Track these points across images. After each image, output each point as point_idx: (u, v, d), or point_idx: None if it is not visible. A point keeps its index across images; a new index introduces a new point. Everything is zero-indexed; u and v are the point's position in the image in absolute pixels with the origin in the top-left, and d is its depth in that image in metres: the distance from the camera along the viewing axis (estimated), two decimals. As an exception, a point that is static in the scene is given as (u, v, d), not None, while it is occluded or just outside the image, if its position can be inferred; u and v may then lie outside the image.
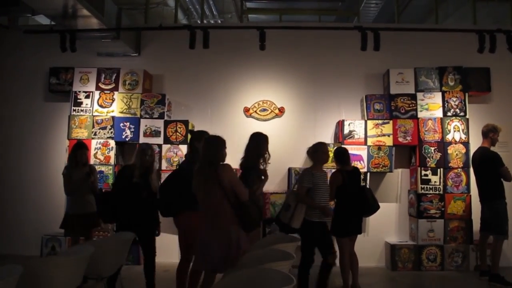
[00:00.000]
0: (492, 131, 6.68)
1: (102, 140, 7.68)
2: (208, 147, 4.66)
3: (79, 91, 7.86)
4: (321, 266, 5.61)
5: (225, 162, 4.63)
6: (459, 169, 7.35)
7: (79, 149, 6.42)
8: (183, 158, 7.49)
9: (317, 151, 5.68)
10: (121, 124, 7.71)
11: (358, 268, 5.98)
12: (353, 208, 5.84)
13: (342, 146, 7.07)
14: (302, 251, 5.54)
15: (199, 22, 10.49)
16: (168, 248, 7.77)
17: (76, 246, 5.61)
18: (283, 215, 5.52)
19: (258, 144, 5.75)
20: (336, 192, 5.87)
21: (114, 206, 5.52)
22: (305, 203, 5.45)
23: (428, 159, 7.39)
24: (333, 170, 6.23)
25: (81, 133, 7.70)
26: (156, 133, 7.66)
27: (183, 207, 5.31)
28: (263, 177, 5.57)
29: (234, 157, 7.86)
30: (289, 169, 7.54)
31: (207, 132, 5.59)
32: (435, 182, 7.36)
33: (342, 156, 6.14)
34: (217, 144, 4.68)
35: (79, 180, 6.27)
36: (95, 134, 7.71)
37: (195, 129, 7.89)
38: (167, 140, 7.63)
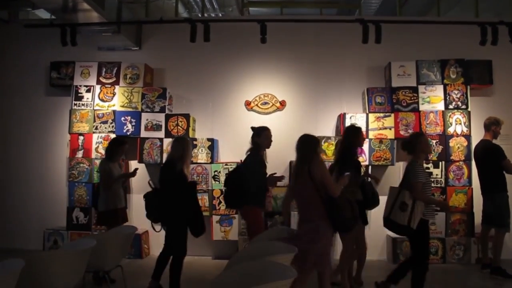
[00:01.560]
0: (494, 124, 6.66)
1: (103, 134, 7.68)
2: (302, 144, 4.68)
3: (80, 85, 7.85)
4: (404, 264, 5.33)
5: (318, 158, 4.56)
6: (460, 162, 7.34)
7: (122, 144, 6.37)
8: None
9: (420, 142, 5.24)
10: (122, 118, 7.71)
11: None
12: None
13: None
14: (419, 254, 5.07)
15: (199, 15, 10.45)
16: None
17: (78, 240, 5.62)
18: (398, 216, 4.97)
19: (350, 136, 5.66)
20: None
21: (163, 204, 5.39)
22: (425, 200, 4.97)
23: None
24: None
25: (82, 127, 7.70)
26: (157, 127, 7.65)
27: (244, 201, 5.36)
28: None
29: (235, 150, 7.93)
30: (291, 163, 7.53)
31: (267, 128, 5.67)
32: (436, 175, 7.35)
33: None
34: (311, 141, 4.68)
35: (117, 175, 6.29)
36: (96, 128, 7.70)
37: (196, 123, 7.92)
38: (168, 134, 7.62)
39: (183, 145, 5.48)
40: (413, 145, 5.22)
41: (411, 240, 5.11)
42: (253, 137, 5.59)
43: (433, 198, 5.12)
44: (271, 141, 5.78)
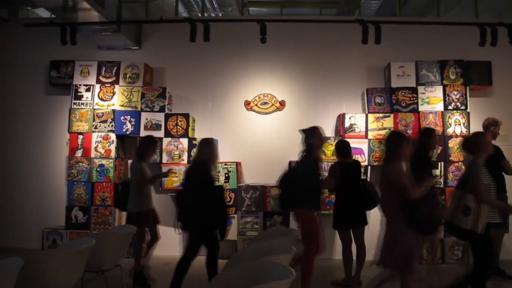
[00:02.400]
0: (493, 125, 6.65)
1: (102, 134, 7.68)
2: (386, 141, 4.60)
3: (80, 84, 7.85)
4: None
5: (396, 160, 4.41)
6: (459, 163, 7.34)
7: (154, 143, 6.25)
8: (183, 152, 7.51)
9: (481, 142, 4.99)
10: (122, 118, 7.71)
11: (364, 261, 5.99)
12: (353, 201, 5.87)
13: (344, 139, 7.05)
14: (482, 260, 4.80)
15: (199, 15, 10.45)
16: (169, 242, 7.80)
17: (77, 239, 5.62)
18: (463, 221, 4.73)
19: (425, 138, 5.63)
20: (337, 185, 5.91)
21: (189, 206, 5.30)
22: (490, 203, 4.74)
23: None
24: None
25: (81, 127, 7.69)
26: (156, 127, 7.66)
27: (297, 203, 5.31)
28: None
29: (234, 150, 7.94)
30: (290, 163, 7.52)
31: (317, 127, 5.57)
32: (435, 175, 7.35)
33: (344, 148, 6.19)
34: (397, 141, 4.51)
35: (149, 175, 6.16)
36: (95, 128, 7.70)
37: (196, 123, 7.92)
38: (167, 134, 7.62)
39: (211, 147, 5.42)
40: (474, 145, 4.99)
41: (475, 245, 4.82)
42: (305, 138, 5.45)
43: (498, 201, 4.95)
44: (324, 139, 5.73)
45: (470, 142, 5.06)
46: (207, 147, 5.38)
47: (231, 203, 7.41)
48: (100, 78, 7.87)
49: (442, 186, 7.32)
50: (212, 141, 5.57)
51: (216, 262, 5.32)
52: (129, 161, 7.85)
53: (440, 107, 7.53)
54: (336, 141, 6.80)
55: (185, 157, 7.56)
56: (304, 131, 5.55)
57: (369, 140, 7.45)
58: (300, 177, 5.31)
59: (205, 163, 5.31)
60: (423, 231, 4.38)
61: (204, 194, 5.19)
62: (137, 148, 6.30)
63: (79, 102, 7.79)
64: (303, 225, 5.32)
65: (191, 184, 5.33)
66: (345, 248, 6.01)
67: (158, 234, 6.30)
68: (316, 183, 5.38)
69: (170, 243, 7.79)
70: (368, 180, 7.16)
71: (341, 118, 7.63)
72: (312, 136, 5.39)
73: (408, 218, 4.24)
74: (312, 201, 5.33)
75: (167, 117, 7.68)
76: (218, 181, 7.22)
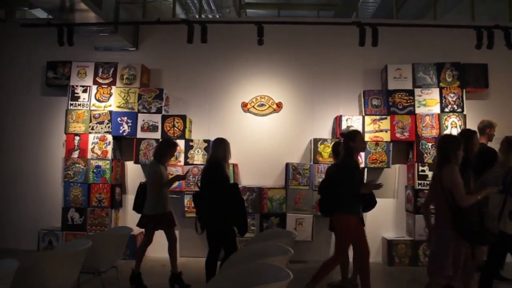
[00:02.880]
0: (488, 127, 6.67)
1: (99, 135, 7.66)
2: (443, 145, 4.44)
3: (77, 85, 7.83)
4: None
5: (450, 164, 4.27)
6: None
7: (173, 146, 6.18)
8: (180, 153, 7.50)
9: None
10: (119, 119, 7.70)
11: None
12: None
13: (341, 141, 7.04)
14: (497, 260, 4.93)
15: (197, 16, 10.46)
16: (164, 243, 7.78)
17: (73, 240, 5.59)
18: (506, 226, 4.73)
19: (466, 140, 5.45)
20: None
21: (207, 205, 5.32)
22: None
23: (425, 155, 7.39)
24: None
25: (78, 128, 7.68)
26: (153, 128, 7.65)
27: (337, 209, 5.26)
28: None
29: (232, 152, 7.86)
30: (287, 164, 7.54)
31: (359, 131, 5.58)
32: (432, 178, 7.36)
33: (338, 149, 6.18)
34: (454, 144, 4.40)
35: (166, 177, 6.12)
36: (92, 129, 7.69)
37: (192, 124, 7.91)
38: (164, 135, 7.61)
39: (225, 146, 5.45)
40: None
41: (500, 248, 4.82)
42: (346, 142, 5.40)
43: None
44: (365, 144, 5.74)
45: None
46: (221, 146, 5.43)
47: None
48: (97, 79, 7.86)
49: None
50: (225, 140, 5.56)
51: (215, 266, 5.42)
52: (127, 162, 7.89)
53: (436, 109, 7.54)
54: (333, 143, 6.80)
55: (181, 158, 7.55)
56: (345, 134, 5.54)
57: (366, 142, 7.46)
58: (341, 182, 5.23)
59: (219, 162, 5.35)
60: (473, 240, 4.23)
61: (221, 193, 5.23)
62: (155, 151, 6.22)
63: (75, 103, 7.78)
64: (342, 231, 5.28)
65: (207, 184, 5.36)
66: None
67: (175, 236, 6.22)
68: (358, 188, 5.27)
69: (167, 245, 7.77)
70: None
71: (338, 120, 7.64)
72: (355, 140, 5.31)
73: (457, 225, 4.14)
74: (353, 206, 5.26)
75: (164, 118, 7.68)
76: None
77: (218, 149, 5.43)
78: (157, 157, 6.05)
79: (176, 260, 6.14)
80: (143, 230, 7.62)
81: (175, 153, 6.33)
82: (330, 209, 5.43)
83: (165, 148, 6.08)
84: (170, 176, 6.49)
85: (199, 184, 5.62)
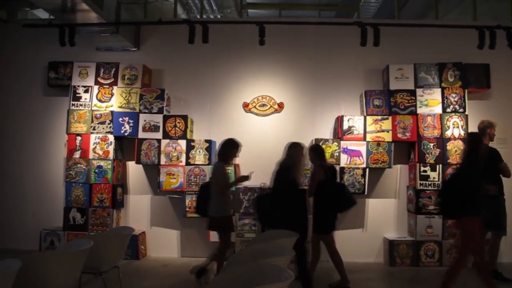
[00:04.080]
0: (488, 127, 6.67)
1: (101, 135, 7.67)
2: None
3: (78, 86, 7.84)
4: None
5: None
6: (458, 165, 7.34)
7: (237, 146, 6.09)
8: (181, 153, 7.51)
9: None
10: (120, 119, 7.70)
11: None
12: (334, 204, 5.98)
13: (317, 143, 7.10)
14: None
15: (198, 17, 10.46)
16: (166, 243, 7.81)
17: (75, 240, 5.59)
18: None
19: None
20: (317, 188, 5.95)
21: (275, 209, 5.31)
22: None
23: (427, 155, 7.38)
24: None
25: (80, 128, 7.69)
26: (155, 128, 7.65)
27: (463, 211, 5.16)
28: None
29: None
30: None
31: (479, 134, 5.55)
32: (434, 178, 7.36)
33: (322, 152, 6.30)
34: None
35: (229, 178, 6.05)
36: (94, 129, 7.69)
37: (194, 125, 7.91)
38: (166, 135, 7.61)
39: (299, 150, 5.46)
40: None
41: None
42: (469, 144, 5.39)
43: None
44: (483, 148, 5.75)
45: None
46: (295, 150, 5.45)
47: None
48: (99, 79, 7.86)
49: (440, 188, 7.31)
50: (300, 144, 5.54)
51: (305, 264, 5.44)
52: (128, 163, 7.88)
53: (438, 109, 7.53)
54: (312, 145, 6.73)
55: (183, 158, 7.55)
56: (470, 135, 5.61)
57: (368, 142, 7.45)
58: (467, 184, 5.15)
59: (290, 165, 5.35)
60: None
61: (289, 197, 5.24)
62: (219, 151, 6.05)
63: (77, 103, 7.78)
64: (467, 232, 5.21)
65: (277, 186, 5.38)
66: (334, 250, 6.04)
67: (230, 241, 6.12)
68: (481, 189, 5.24)
69: (168, 245, 7.80)
70: (342, 182, 7.17)
71: (339, 120, 7.63)
72: (475, 142, 5.31)
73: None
74: (478, 208, 5.19)
75: (166, 118, 7.68)
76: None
77: (292, 152, 5.44)
78: (221, 157, 5.95)
79: (206, 262, 6.10)
80: (144, 230, 7.68)
81: (238, 154, 6.22)
82: (454, 211, 5.30)
83: (229, 148, 5.98)
84: None
85: (199, 185, 5.59)
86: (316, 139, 7.50)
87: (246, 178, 6.18)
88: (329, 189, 5.95)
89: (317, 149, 6.32)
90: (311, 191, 5.94)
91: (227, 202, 5.92)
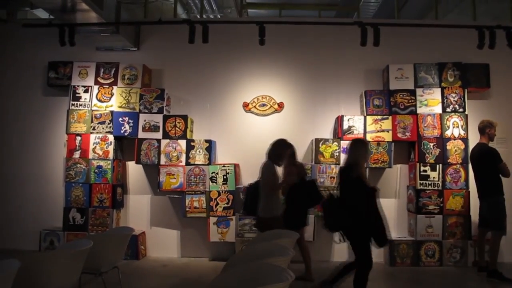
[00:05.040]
0: (488, 127, 6.68)
1: (100, 135, 7.66)
2: None
3: (78, 86, 7.83)
4: None
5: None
6: (458, 165, 7.35)
7: (288, 147, 6.08)
8: (181, 153, 7.51)
9: None
10: (120, 119, 7.70)
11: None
12: (307, 200, 6.24)
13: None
14: None
15: (198, 16, 10.46)
16: (166, 243, 7.81)
17: (74, 240, 5.58)
18: None
19: None
20: (290, 186, 6.15)
21: (343, 212, 5.08)
22: None
23: (427, 155, 7.38)
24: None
25: (79, 128, 7.68)
26: (155, 128, 7.64)
27: None
28: None
29: (233, 152, 7.94)
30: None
31: None
32: (434, 178, 7.36)
33: (294, 151, 6.46)
34: None
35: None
36: (93, 129, 7.68)
37: (194, 124, 7.91)
38: (166, 135, 7.61)
39: (364, 147, 5.33)
40: None
41: None
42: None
43: None
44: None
45: None
46: (360, 147, 5.27)
47: (229, 205, 7.40)
48: (99, 79, 7.86)
49: (440, 188, 7.32)
50: (364, 140, 5.43)
51: (349, 270, 5.27)
52: (128, 163, 7.87)
53: (438, 109, 7.53)
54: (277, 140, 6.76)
55: (183, 158, 7.55)
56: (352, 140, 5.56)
57: (368, 142, 7.45)
58: None
59: (357, 163, 5.16)
60: None
61: (357, 197, 5.00)
62: (270, 152, 5.93)
63: (77, 103, 7.78)
64: None
65: (344, 185, 5.19)
66: (303, 245, 6.27)
67: None
68: None
69: (168, 245, 7.79)
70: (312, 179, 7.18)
71: (339, 120, 7.63)
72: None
73: None
74: None
75: (165, 118, 7.67)
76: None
77: (357, 150, 5.23)
78: (272, 157, 5.84)
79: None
80: (144, 230, 7.67)
81: (289, 154, 6.16)
82: None
83: (280, 149, 5.90)
84: None
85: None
86: (316, 139, 7.50)
87: (294, 179, 6.13)
88: (302, 187, 6.18)
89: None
90: (284, 190, 6.15)
91: (276, 203, 5.82)
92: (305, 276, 6.20)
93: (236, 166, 7.63)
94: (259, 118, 8.06)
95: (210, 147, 7.58)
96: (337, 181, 5.54)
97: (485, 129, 6.68)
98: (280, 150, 5.87)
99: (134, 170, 7.99)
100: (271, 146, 5.92)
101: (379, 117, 7.55)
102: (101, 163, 7.61)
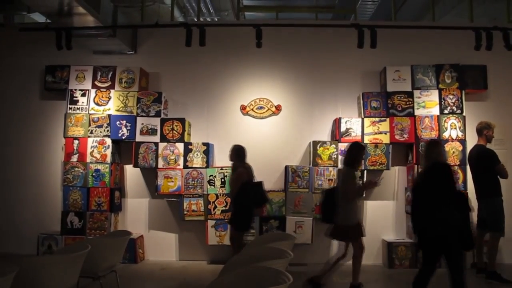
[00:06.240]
0: (485, 128, 6.68)
1: (98, 138, 7.65)
2: None
3: (75, 89, 7.82)
4: None
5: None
6: (455, 167, 7.34)
7: (363, 149, 5.98)
8: (179, 156, 7.50)
9: None
10: (118, 122, 7.68)
11: None
12: (254, 202, 6.29)
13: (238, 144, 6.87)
14: None
15: (195, 19, 10.46)
16: (164, 247, 7.79)
17: (72, 244, 5.57)
18: None
19: None
20: (239, 188, 6.19)
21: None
22: None
23: (425, 156, 7.38)
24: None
25: (77, 131, 7.67)
26: (152, 131, 7.64)
27: None
28: None
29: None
30: (286, 167, 7.52)
31: None
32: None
33: (244, 153, 6.49)
34: None
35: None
36: (91, 132, 7.67)
37: (191, 128, 7.90)
38: (163, 138, 7.60)
39: (441, 147, 5.18)
40: None
41: None
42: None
43: None
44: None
45: None
46: (438, 148, 5.06)
47: (227, 208, 7.39)
48: (96, 83, 7.85)
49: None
50: (439, 141, 5.28)
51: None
52: (126, 166, 7.86)
53: (436, 111, 7.54)
54: (234, 146, 6.67)
55: (181, 161, 7.54)
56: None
57: (365, 144, 7.45)
58: None
59: (445, 164, 5.00)
60: None
61: (447, 198, 4.71)
62: (346, 157, 5.82)
63: (74, 107, 7.77)
64: None
65: (431, 187, 4.82)
66: (238, 248, 6.10)
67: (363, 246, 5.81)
68: None
69: (167, 248, 7.77)
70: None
71: (337, 122, 7.63)
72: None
73: None
74: None
75: (163, 122, 7.67)
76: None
77: (437, 150, 5.00)
78: (349, 162, 5.73)
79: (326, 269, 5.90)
80: (142, 234, 7.66)
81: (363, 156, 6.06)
82: None
83: (356, 152, 5.77)
84: None
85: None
86: (314, 142, 7.50)
87: (374, 184, 5.98)
88: (250, 189, 6.21)
89: (237, 150, 6.50)
90: (233, 192, 6.21)
91: (356, 210, 5.71)
92: None
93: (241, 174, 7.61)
94: (256, 120, 8.05)
95: (207, 150, 7.57)
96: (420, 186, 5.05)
97: (483, 130, 6.68)
98: (357, 154, 5.74)
99: (132, 173, 7.98)
100: (347, 151, 5.83)
101: (377, 119, 7.56)
102: (99, 166, 7.59)
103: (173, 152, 7.57)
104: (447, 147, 7.37)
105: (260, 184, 6.53)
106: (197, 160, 7.55)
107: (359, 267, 5.64)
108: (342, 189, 5.65)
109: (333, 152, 7.45)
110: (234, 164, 6.44)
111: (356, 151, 5.76)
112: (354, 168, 5.75)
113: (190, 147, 7.58)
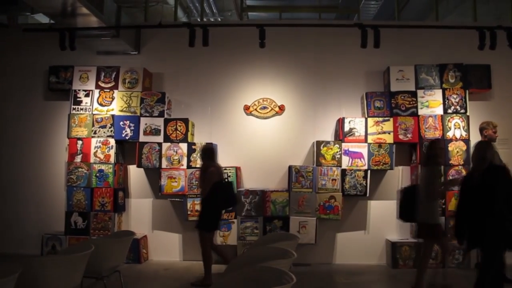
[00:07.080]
0: (484, 128, 6.68)
1: (102, 139, 7.66)
2: None
3: (79, 90, 7.84)
4: None
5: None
6: (459, 166, 7.32)
7: (439, 143, 5.93)
8: (183, 157, 7.50)
9: None
10: (121, 123, 7.69)
11: None
12: (224, 202, 6.30)
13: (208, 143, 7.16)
14: None
15: (198, 20, 10.47)
16: (168, 247, 7.80)
17: (76, 244, 5.58)
18: None
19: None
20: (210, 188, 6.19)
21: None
22: None
23: (428, 156, 7.36)
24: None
25: (81, 132, 7.68)
26: (156, 132, 7.64)
27: None
28: None
29: (234, 155, 7.93)
30: (290, 167, 7.51)
31: None
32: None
33: (214, 153, 6.61)
34: None
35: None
36: (95, 133, 7.69)
37: (195, 128, 7.90)
38: (167, 139, 7.60)
39: (492, 149, 5.02)
40: None
41: None
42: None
43: None
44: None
45: None
46: (491, 149, 4.94)
47: (231, 208, 7.38)
48: (99, 83, 7.86)
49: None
50: (489, 142, 5.20)
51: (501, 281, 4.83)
52: (129, 166, 7.87)
53: (439, 110, 7.52)
54: (204, 145, 6.89)
55: (184, 162, 7.54)
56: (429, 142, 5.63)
57: (369, 144, 7.44)
58: None
59: (502, 166, 4.92)
60: None
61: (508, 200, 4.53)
62: (426, 155, 5.80)
63: (78, 108, 7.78)
64: None
65: (488, 189, 4.65)
66: (208, 249, 6.18)
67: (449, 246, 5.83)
68: None
69: (170, 248, 7.78)
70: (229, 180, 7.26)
71: (340, 122, 7.62)
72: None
73: None
74: None
75: (166, 122, 7.67)
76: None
77: (491, 151, 4.88)
78: (430, 160, 5.68)
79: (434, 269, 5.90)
80: (146, 234, 7.66)
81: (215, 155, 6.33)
82: None
83: (434, 149, 5.73)
84: None
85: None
86: (318, 141, 7.49)
87: (457, 182, 5.87)
88: (220, 189, 6.20)
89: (207, 149, 6.56)
90: (205, 191, 6.18)
91: (438, 208, 5.68)
92: (203, 281, 5.99)
93: (237, 169, 7.62)
94: (260, 121, 8.05)
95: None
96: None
97: (482, 130, 6.70)
98: (436, 150, 5.72)
99: (135, 173, 7.99)
100: (426, 150, 5.85)
101: (380, 119, 7.54)
102: (103, 167, 7.61)
103: (176, 152, 7.57)
104: (451, 146, 7.36)
105: (230, 184, 6.65)
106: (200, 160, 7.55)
107: (423, 270, 5.57)
108: (427, 187, 5.58)
109: (337, 152, 7.44)
110: (204, 164, 6.42)
111: (436, 148, 5.73)
112: (438, 165, 5.71)
113: (193, 147, 7.58)
